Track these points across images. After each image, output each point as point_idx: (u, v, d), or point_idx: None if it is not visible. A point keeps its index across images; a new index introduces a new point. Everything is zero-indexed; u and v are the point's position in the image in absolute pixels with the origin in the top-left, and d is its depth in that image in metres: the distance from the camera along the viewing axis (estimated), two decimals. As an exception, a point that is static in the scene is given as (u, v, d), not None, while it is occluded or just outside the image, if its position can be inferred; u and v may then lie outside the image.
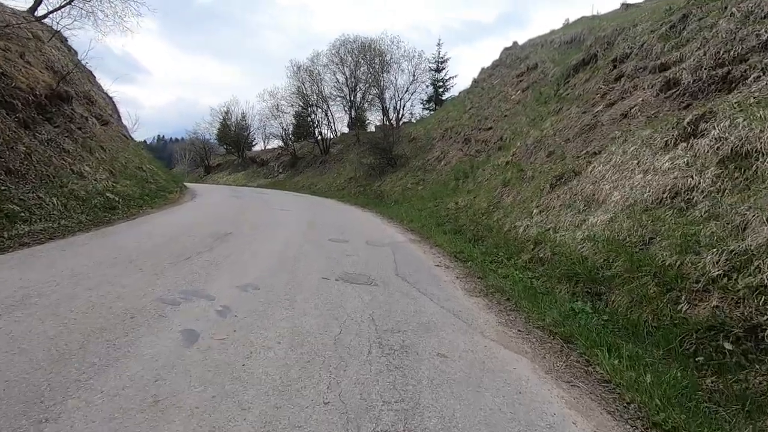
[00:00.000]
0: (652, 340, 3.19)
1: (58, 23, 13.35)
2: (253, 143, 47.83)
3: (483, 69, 22.72)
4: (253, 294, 3.91)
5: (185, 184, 19.68)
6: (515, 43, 21.87)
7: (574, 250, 5.05)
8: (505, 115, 14.71)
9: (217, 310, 3.40)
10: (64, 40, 19.07)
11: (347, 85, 36.40)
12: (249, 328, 3.09)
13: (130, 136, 17.51)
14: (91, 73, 19.85)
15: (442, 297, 4.43)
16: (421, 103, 30.31)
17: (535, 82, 14.70)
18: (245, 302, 3.66)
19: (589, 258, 4.67)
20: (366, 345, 3.01)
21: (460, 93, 24.04)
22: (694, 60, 6.72)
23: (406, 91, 29.76)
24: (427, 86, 29.23)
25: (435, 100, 29.40)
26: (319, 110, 34.25)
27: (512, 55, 20.44)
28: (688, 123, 5.41)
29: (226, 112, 45.91)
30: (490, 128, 15.17)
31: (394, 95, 29.78)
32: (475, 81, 22.60)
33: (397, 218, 11.51)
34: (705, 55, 6.58)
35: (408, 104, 30.65)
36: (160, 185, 12.99)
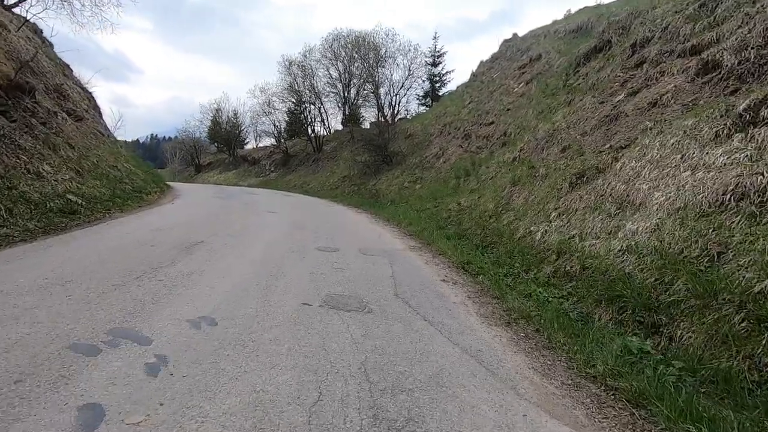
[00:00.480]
0: (759, 401, 2.27)
1: (27, 11, 12.21)
2: (245, 141, 46.75)
3: (482, 62, 21.80)
4: (206, 333, 2.95)
5: (169, 183, 18.66)
6: (515, 34, 20.97)
7: (612, 265, 4.13)
8: (508, 109, 13.80)
9: (147, 363, 2.44)
10: (38, 32, 17.94)
11: (341, 81, 35.37)
12: (183, 398, 2.13)
13: (110, 134, 16.46)
14: (67, 66, 18.75)
15: (454, 328, 3.49)
16: (417, 99, 29.38)
17: (540, 74, 13.79)
18: (191, 348, 2.70)
19: (636, 276, 3.76)
20: (356, 422, 2.07)
21: (458, 87, 23.13)
22: (736, 39, 5.82)
23: (402, 86, 28.80)
24: (423, 81, 28.32)
25: (431, 95, 28.47)
26: (312, 107, 33.27)
27: (513, 47, 19.53)
28: (744, 110, 4.50)
29: (217, 110, 44.77)
30: (492, 123, 14.26)
31: (390, 91, 28.82)
32: (473, 75, 21.67)
33: (394, 220, 10.57)
34: (750, 33, 5.68)
35: (404, 100, 29.73)
36: (137, 186, 11.96)
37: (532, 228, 6.20)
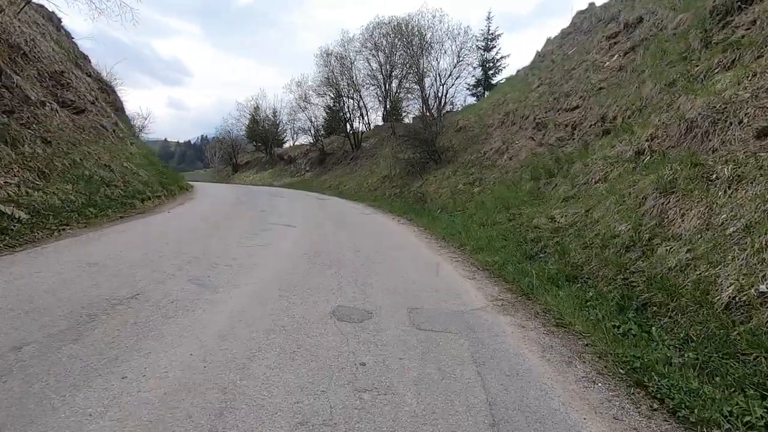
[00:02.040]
0: None
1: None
2: (284, 140, 45.19)
3: (549, 39, 18.26)
4: None
5: (193, 184, 16.74)
6: (592, 4, 17.26)
7: None
8: (600, 88, 10.42)
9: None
10: (53, 19, 16.53)
11: (382, 72, 32.73)
12: None
13: (120, 130, 14.60)
14: (84, 57, 17.23)
15: None
16: (468, 89, 26.06)
17: (646, 39, 10.29)
18: None
19: None
20: None
21: (517, 72, 19.69)
22: None
23: (449, 75, 25.52)
24: (474, 68, 24.94)
25: (484, 84, 25.09)
26: (351, 101, 30.82)
27: (591, 18, 15.88)
28: None
29: (255, 108, 43.51)
30: (576, 107, 10.93)
31: (435, 81, 25.72)
32: (539, 54, 18.19)
33: (452, 240, 7.64)
34: None
35: (452, 90, 26.45)
36: (132, 190, 9.77)
37: (745, 284, 3.08)
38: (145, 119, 38.79)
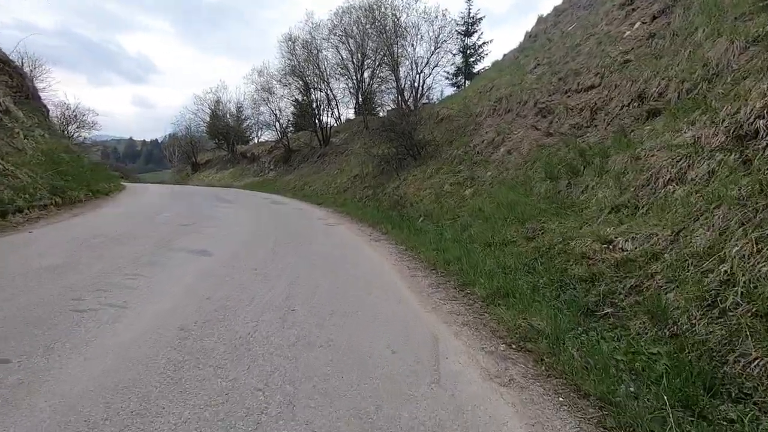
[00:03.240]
0: None
1: None
2: (250, 137, 41.71)
3: (541, 17, 16.10)
4: None
5: (132, 186, 13.70)
6: (588, -23, 15.15)
7: None
8: (626, 60, 8.16)
9: None
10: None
11: (353, 62, 30.03)
12: None
13: (13, 117, 11.45)
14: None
15: None
16: (447, 78, 23.71)
17: (678, 2, 8.11)
18: None
19: None
20: None
21: (504, 56, 17.45)
22: None
23: (427, 62, 23.15)
24: (454, 55, 22.59)
25: (465, 72, 22.79)
26: (320, 93, 27.96)
27: (590, -9, 13.75)
28: None
29: (216, 102, 39.90)
30: (592, 87, 8.65)
31: (411, 69, 23.28)
32: (529, 35, 16.00)
33: (448, 270, 5.15)
34: None
35: (429, 80, 23.99)
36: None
37: None
38: (76, 114, 34.77)
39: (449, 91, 25.69)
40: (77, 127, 47.07)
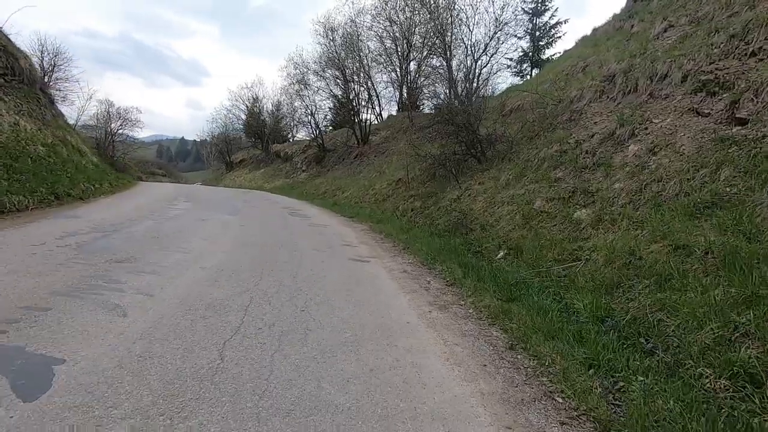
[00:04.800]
0: None
1: None
2: (287, 136, 39.43)
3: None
4: None
5: (152, 185, 11.23)
6: None
7: None
8: None
9: None
10: None
11: (397, 52, 26.84)
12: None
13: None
14: None
15: None
16: (509, 67, 19.87)
17: None
18: None
19: None
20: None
21: (595, 30, 13.54)
22: None
23: (484, 49, 19.51)
24: (519, 38, 18.74)
25: (532, 58, 18.90)
26: (361, 87, 24.86)
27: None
28: None
29: (254, 99, 37.95)
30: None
31: (466, 57, 19.71)
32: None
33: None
34: None
35: (486, 69, 20.09)
36: None
37: None
38: (119, 112, 33.86)
39: (512, 81, 21.81)
40: (120, 125, 47.20)
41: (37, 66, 19.28)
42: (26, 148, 9.32)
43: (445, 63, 20.06)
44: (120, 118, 46.29)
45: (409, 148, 13.68)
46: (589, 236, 5.31)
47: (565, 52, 14.92)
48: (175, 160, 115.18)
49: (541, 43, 18.80)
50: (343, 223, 10.02)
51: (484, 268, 5.21)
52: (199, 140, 47.61)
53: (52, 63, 19.92)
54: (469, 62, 19.27)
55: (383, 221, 9.56)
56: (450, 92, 20.38)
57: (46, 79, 19.19)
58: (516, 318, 3.59)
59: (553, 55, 18.55)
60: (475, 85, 19.09)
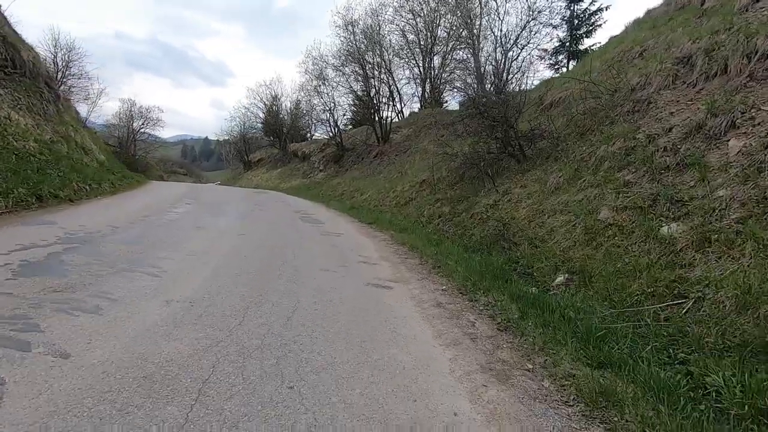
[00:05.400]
0: None
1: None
2: (306, 134, 38.52)
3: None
4: None
5: (159, 185, 10.37)
6: None
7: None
8: None
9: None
10: None
11: (420, 46, 25.50)
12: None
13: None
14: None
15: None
16: (542, 58, 18.24)
17: None
18: None
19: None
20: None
21: (648, 11, 11.89)
22: None
23: (515, 40, 17.96)
24: (555, 27, 17.07)
25: (569, 50, 17.26)
26: (380, 83, 23.57)
27: None
28: None
29: (274, 98, 37.15)
30: None
31: (494, 50, 18.20)
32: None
33: None
34: None
35: (515, 63, 18.47)
36: None
37: None
38: (141, 111, 33.72)
39: (538, 78, 20.14)
40: (142, 124, 47.37)
41: (45, 60, 18.77)
42: (12, 144, 8.44)
43: (472, 56, 18.64)
44: (142, 116, 46.52)
45: (436, 147, 12.36)
46: (692, 262, 3.89)
47: (612, 38, 13.28)
48: (199, 159, 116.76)
49: (579, 32, 17.13)
50: (361, 230, 8.78)
51: (547, 303, 3.85)
52: (218, 139, 47.27)
53: (66, 59, 19.38)
54: (498, 54, 17.78)
55: (407, 229, 8.27)
56: (478, 87, 18.96)
57: (59, 75, 18.68)
58: (628, 407, 2.25)
59: (593, 45, 16.87)
60: (505, 77, 17.59)
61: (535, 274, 5.20)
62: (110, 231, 6.09)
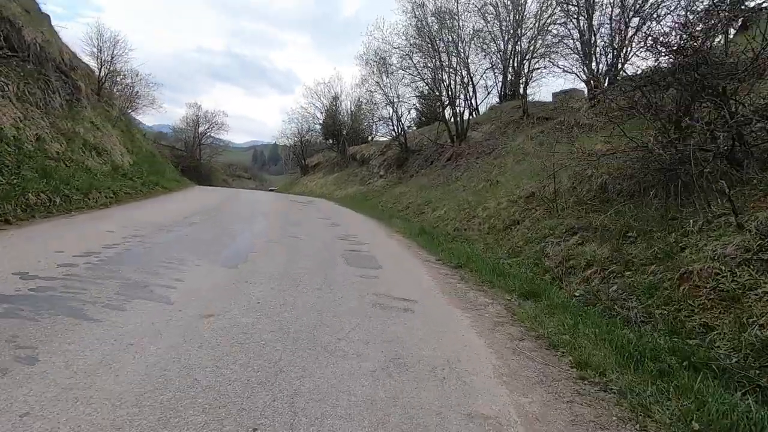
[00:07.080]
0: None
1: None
2: (368, 136, 35.52)
3: None
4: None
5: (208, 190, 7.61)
6: None
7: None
8: None
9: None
10: None
11: (502, 28, 21.25)
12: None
13: None
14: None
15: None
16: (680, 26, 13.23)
17: None
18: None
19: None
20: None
21: None
22: None
23: (636, 12, 13.22)
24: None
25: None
26: (453, 75, 19.66)
27: None
28: None
29: (334, 98, 34.61)
30: None
31: (611, 20, 13.59)
32: None
33: None
34: None
35: (635, 42, 13.76)
36: None
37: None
38: (206, 116, 32.39)
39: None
40: (207, 128, 47.41)
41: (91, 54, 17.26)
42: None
43: (576, 24, 14.19)
44: (207, 121, 46.66)
45: (537, 146, 8.32)
46: None
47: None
48: (268, 164, 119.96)
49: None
50: (447, 285, 5.06)
51: None
52: (275, 143, 46.08)
53: (111, 54, 17.86)
54: (617, 24, 13.22)
55: (537, 294, 4.39)
56: (583, 68, 14.47)
57: (103, 72, 17.19)
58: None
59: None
60: (618, 60, 12.88)
61: None
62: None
